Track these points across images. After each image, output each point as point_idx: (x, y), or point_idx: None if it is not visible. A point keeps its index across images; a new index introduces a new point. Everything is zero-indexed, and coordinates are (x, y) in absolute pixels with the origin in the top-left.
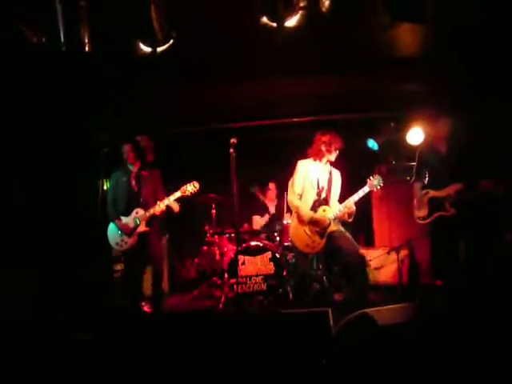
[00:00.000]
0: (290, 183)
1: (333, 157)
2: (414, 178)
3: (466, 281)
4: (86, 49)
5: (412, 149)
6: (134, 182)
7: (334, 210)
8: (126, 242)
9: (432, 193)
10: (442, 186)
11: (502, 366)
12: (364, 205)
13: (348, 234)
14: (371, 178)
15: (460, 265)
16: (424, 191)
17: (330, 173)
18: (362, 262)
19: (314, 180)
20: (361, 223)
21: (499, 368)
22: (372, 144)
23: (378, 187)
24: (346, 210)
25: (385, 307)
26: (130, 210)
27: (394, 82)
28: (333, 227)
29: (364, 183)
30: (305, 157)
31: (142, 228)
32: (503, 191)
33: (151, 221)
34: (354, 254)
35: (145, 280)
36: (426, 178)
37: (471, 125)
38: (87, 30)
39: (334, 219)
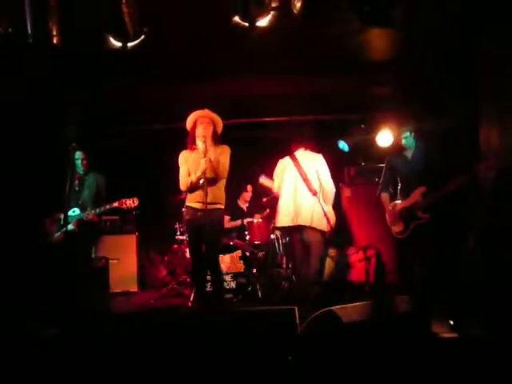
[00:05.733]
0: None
1: None
2: (380, 189)
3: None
4: (54, 41)
5: (381, 151)
6: (76, 182)
7: None
8: (55, 233)
9: (399, 204)
10: (411, 194)
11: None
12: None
13: None
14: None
15: (434, 268)
16: (391, 204)
17: None
18: None
19: None
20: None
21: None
22: (342, 145)
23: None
24: None
25: (350, 305)
26: (69, 208)
27: (364, 85)
28: None
29: None
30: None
31: (72, 227)
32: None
33: (83, 222)
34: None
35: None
36: (399, 188)
37: (438, 127)
38: (56, 22)
39: None
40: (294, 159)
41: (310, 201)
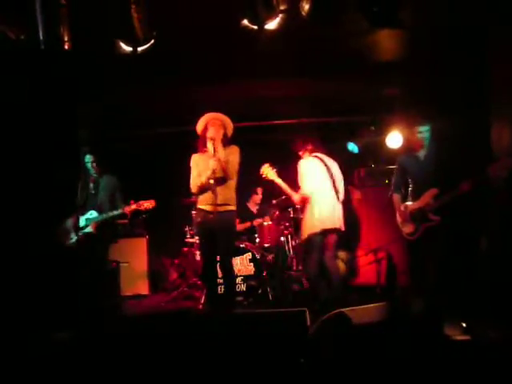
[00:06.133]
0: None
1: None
2: (392, 190)
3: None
4: (66, 47)
5: (391, 152)
6: (91, 185)
7: None
8: (72, 238)
9: (411, 206)
10: (422, 195)
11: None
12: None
13: None
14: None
15: (444, 269)
16: (403, 205)
17: None
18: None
19: None
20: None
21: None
22: (352, 147)
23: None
24: None
25: (360, 307)
26: (85, 211)
27: (373, 86)
28: None
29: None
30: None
31: (90, 229)
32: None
33: (102, 225)
34: None
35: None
36: (410, 189)
37: (448, 128)
38: (67, 29)
39: None
40: (322, 161)
41: (338, 204)
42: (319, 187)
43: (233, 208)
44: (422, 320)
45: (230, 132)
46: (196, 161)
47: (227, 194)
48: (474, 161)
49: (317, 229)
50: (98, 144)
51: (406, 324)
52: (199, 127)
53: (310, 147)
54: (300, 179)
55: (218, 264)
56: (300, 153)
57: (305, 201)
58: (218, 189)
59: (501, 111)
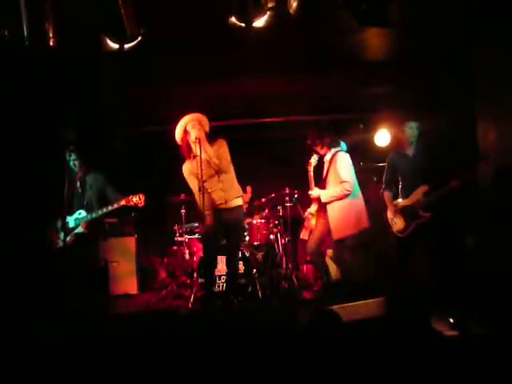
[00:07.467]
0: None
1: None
2: (383, 187)
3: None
4: (51, 43)
5: (379, 150)
6: (78, 184)
7: None
8: (61, 240)
9: (401, 203)
10: (412, 192)
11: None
12: None
13: None
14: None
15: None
16: (394, 203)
17: None
18: None
19: None
20: None
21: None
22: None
23: None
24: None
25: (349, 304)
26: (73, 211)
27: (362, 84)
28: None
29: None
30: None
31: (82, 229)
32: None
33: (92, 224)
34: None
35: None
36: (400, 186)
37: (436, 126)
38: (52, 24)
39: None
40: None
41: None
42: (357, 185)
43: (241, 202)
44: (411, 315)
45: (207, 128)
46: (189, 170)
47: (233, 188)
48: (461, 158)
49: (361, 227)
50: (83, 142)
51: (395, 320)
52: (178, 134)
53: (327, 140)
54: (342, 172)
55: (225, 259)
56: (317, 148)
57: (342, 197)
58: (221, 185)
59: (486, 110)
